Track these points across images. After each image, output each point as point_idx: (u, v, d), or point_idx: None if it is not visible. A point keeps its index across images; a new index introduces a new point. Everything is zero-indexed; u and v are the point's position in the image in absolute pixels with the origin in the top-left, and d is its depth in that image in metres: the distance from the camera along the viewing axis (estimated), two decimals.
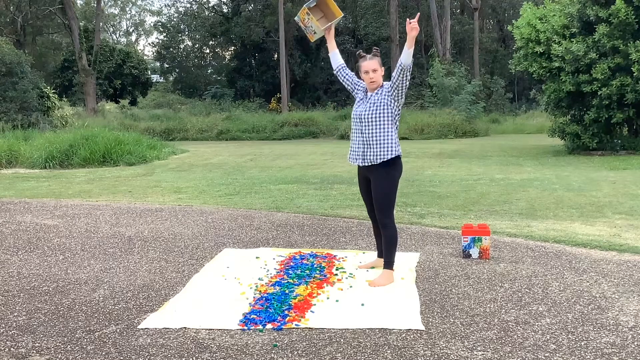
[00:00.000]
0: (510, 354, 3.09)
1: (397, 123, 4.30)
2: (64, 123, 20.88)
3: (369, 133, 4.22)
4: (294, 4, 37.12)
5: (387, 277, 4.29)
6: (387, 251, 4.33)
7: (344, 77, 4.53)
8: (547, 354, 3.08)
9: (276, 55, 38.32)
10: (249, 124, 24.31)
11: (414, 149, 16.30)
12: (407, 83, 4.14)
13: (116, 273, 4.71)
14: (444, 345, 3.22)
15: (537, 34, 14.25)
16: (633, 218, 6.40)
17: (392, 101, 4.21)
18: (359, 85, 4.45)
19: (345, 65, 4.59)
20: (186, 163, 13.75)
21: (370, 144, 4.24)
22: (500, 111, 31.16)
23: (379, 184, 4.31)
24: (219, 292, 4.15)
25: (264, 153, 16.06)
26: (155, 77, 46.13)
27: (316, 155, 14.84)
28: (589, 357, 3.05)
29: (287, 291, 4.11)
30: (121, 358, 3.14)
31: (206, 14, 43.34)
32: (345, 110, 27.64)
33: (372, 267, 4.67)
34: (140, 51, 48.33)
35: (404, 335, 3.36)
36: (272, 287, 4.23)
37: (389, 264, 4.34)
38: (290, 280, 4.35)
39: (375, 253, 5.11)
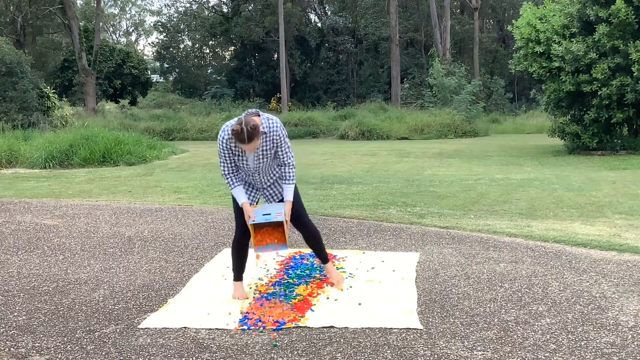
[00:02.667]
0: (510, 354, 3.09)
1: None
2: (64, 123, 20.86)
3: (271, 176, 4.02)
4: (293, 4, 37.15)
5: (335, 273, 4.29)
6: (321, 247, 4.24)
7: (235, 166, 3.89)
8: (547, 354, 3.08)
9: (276, 55, 38.33)
10: None
11: (414, 149, 16.31)
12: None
13: (116, 273, 4.71)
14: (444, 345, 3.22)
15: (537, 34, 14.26)
16: (633, 218, 6.40)
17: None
18: (236, 152, 3.82)
19: (236, 172, 3.90)
20: (186, 163, 13.75)
21: (272, 186, 4.06)
22: (500, 111, 31.16)
23: (296, 197, 4.04)
24: (219, 292, 4.15)
25: None
26: (155, 77, 46.09)
27: (316, 155, 14.84)
28: (588, 357, 3.05)
29: (287, 291, 4.12)
30: (121, 358, 3.14)
31: (206, 13, 43.35)
32: (345, 110, 27.63)
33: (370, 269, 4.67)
34: (140, 51, 48.30)
35: (404, 335, 3.36)
36: (272, 287, 4.23)
37: (327, 259, 4.28)
38: (290, 280, 4.35)
39: (376, 253, 5.12)
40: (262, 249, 3.97)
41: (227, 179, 3.87)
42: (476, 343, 3.23)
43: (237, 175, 3.90)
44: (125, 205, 7.93)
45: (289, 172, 3.89)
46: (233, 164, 3.85)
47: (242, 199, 3.87)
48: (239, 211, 3.97)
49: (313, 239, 4.18)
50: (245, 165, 3.85)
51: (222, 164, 3.84)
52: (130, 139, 15.24)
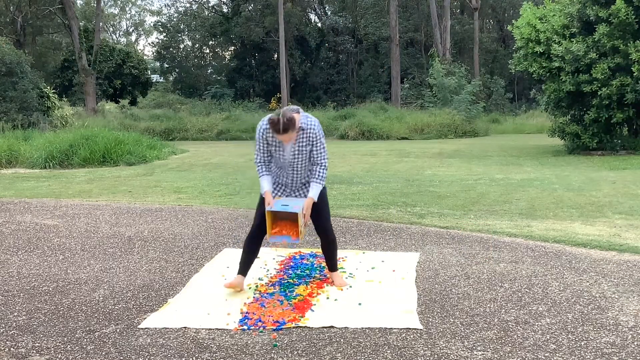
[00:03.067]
0: (510, 354, 3.09)
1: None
2: (64, 123, 20.84)
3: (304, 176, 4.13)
4: (293, 4, 37.15)
5: (341, 278, 4.34)
6: (333, 253, 4.29)
7: (270, 159, 4.11)
8: (547, 354, 3.08)
9: (276, 55, 38.33)
10: (249, 124, 24.28)
11: (414, 149, 16.30)
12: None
13: (116, 273, 4.71)
14: (444, 345, 3.22)
15: (537, 34, 14.25)
16: (633, 218, 6.40)
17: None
18: (273, 143, 4.02)
19: (267, 163, 4.09)
20: (186, 163, 13.75)
21: (301, 183, 4.15)
22: (500, 111, 31.15)
23: (323, 198, 4.16)
24: (219, 292, 4.15)
25: None
26: (155, 77, 46.06)
27: None
28: (589, 357, 3.05)
29: (287, 291, 4.11)
30: (121, 358, 3.14)
31: (206, 13, 43.34)
32: (345, 110, 27.62)
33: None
34: (140, 51, 48.24)
35: (404, 335, 3.36)
36: (272, 287, 4.23)
37: (335, 266, 4.34)
38: (290, 280, 4.35)
39: (376, 253, 5.12)
40: (277, 238, 4.08)
41: (258, 166, 4.10)
42: (476, 343, 3.23)
43: (268, 166, 4.10)
44: (125, 205, 7.93)
45: (320, 172, 4.03)
46: (266, 155, 4.07)
47: (266, 187, 4.05)
48: (261, 203, 4.11)
49: (328, 246, 4.26)
50: (281, 157, 4.02)
51: (256, 152, 4.07)
52: (130, 139, 15.22)
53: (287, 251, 5.21)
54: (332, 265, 4.33)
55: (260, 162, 4.07)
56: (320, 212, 4.12)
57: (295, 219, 4.01)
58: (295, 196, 4.15)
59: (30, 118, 19.67)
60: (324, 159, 4.02)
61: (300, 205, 3.98)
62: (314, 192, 4.01)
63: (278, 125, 3.77)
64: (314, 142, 3.96)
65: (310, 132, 3.93)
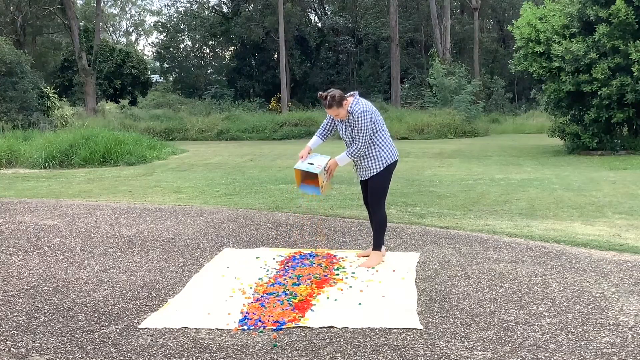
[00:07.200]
0: (510, 354, 3.09)
1: (382, 132, 4.64)
2: (64, 123, 20.83)
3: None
4: (293, 4, 37.14)
5: (375, 258, 4.76)
6: (375, 233, 4.79)
7: (330, 128, 4.85)
8: (547, 354, 3.08)
9: (276, 55, 38.29)
10: (249, 124, 24.31)
11: (414, 149, 16.30)
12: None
13: (116, 273, 4.71)
14: (444, 345, 3.22)
15: (537, 33, 14.25)
16: (633, 218, 6.40)
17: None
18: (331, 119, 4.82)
19: (325, 129, 4.87)
20: (186, 163, 13.74)
21: (358, 162, 4.69)
22: (500, 111, 31.13)
23: (373, 183, 4.72)
24: (219, 292, 4.15)
25: (264, 153, 16.06)
26: (155, 77, 46.04)
27: None
28: (588, 357, 3.05)
29: (287, 291, 4.11)
30: (121, 358, 3.14)
31: (206, 13, 43.31)
32: None
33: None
34: (140, 51, 48.24)
35: (404, 335, 3.36)
36: (272, 287, 4.23)
37: (377, 246, 4.79)
38: (290, 280, 4.35)
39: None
40: (306, 188, 4.74)
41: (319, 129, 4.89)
42: (476, 343, 3.23)
43: (325, 131, 4.83)
44: (125, 205, 7.93)
45: (353, 148, 4.57)
46: (329, 125, 4.80)
47: (309, 143, 4.83)
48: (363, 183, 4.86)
49: (375, 223, 4.80)
50: (339, 130, 4.73)
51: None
52: (130, 139, 15.22)
53: (287, 251, 5.22)
54: (375, 244, 4.79)
55: (320, 127, 4.85)
56: (370, 189, 4.69)
57: (315, 176, 4.62)
58: (356, 165, 4.73)
59: (30, 118, 19.66)
60: (359, 140, 4.52)
61: (323, 165, 4.59)
62: (339, 157, 4.66)
63: (324, 101, 4.46)
64: (354, 125, 4.51)
65: (352, 116, 4.50)
